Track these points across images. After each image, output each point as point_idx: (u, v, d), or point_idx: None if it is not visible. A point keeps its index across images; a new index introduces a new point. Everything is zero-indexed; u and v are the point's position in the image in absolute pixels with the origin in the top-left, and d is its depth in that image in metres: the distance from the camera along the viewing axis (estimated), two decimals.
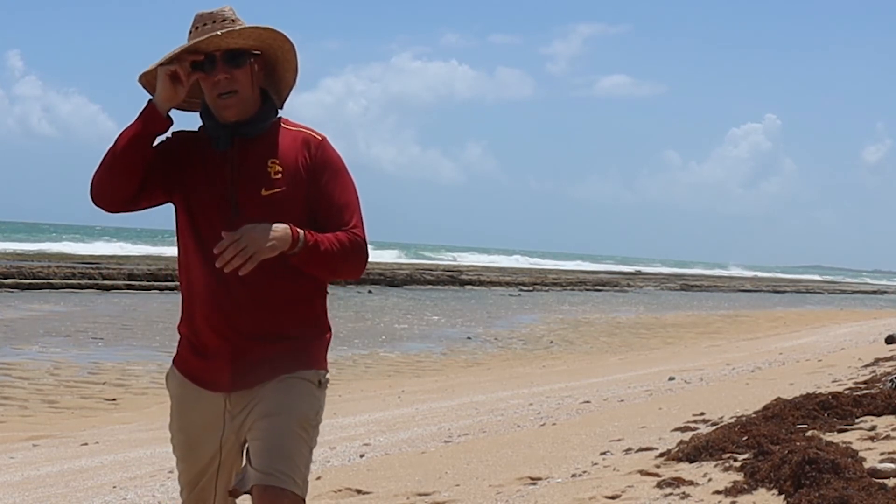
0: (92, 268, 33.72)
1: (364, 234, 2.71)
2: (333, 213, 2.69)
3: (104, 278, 31.33)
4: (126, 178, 2.63)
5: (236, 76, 2.64)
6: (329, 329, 2.82)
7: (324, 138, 2.75)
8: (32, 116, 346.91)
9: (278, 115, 2.79)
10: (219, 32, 2.60)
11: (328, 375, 2.81)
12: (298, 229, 2.57)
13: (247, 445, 2.72)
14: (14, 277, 29.36)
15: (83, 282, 30.44)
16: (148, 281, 31.60)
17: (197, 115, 2.80)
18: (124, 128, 2.64)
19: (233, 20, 2.65)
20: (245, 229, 2.52)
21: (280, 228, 2.55)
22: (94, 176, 2.67)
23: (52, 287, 29.07)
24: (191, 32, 2.67)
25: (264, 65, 2.74)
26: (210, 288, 2.67)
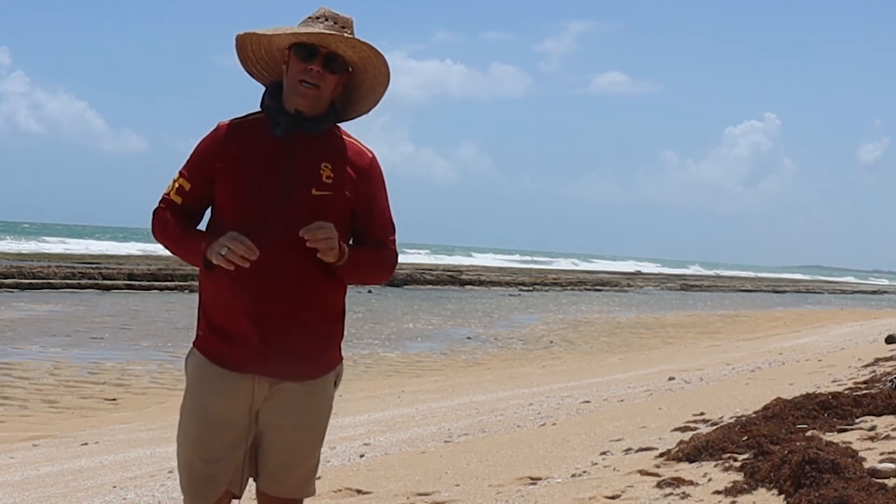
0: (92, 268, 33.73)
1: (397, 250, 2.89)
2: (377, 228, 2.83)
3: (104, 278, 31.36)
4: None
5: (326, 77, 2.73)
6: (344, 319, 2.92)
7: (374, 155, 2.86)
8: (20, 114, 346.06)
9: (336, 123, 2.85)
10: (346, 35, 2.70)
11: (342, 365, 2.93)
12: (345, 246, 2.69)
13: (256, 445, 2.77)
14: (14, 277, 29.39)
15: (83, 282, 30.47)
16: (148, 281, 31.63)
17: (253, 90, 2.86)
18: (178, 242, 2.79)
19: (350, 31, 2.76)
20: (329, 227, 2.62)
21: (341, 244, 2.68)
22: (161, 242, 2.86)
23: (52, 287, 29.10)
24: (307, 19, 2.76)
25: (345, 85, 2.82)
26: (244, 273, 2.62)
